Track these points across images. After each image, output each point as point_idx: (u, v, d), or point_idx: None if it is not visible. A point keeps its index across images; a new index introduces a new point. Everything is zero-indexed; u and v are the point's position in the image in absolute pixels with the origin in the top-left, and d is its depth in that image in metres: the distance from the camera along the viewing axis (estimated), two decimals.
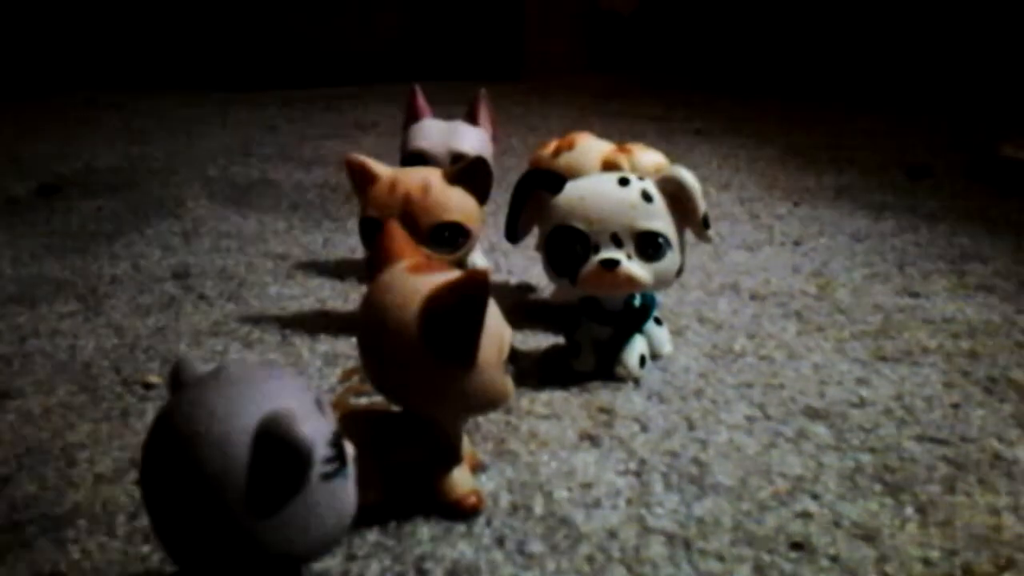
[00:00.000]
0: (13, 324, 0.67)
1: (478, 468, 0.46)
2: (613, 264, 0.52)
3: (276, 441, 0.29)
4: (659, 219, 0.53)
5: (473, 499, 0.43)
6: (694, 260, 0.79)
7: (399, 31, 1.91)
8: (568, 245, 0.53)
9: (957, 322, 0.65)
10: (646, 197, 0.53)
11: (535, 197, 0.55)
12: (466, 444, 0.46)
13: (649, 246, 0.53)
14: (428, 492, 0.43)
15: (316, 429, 0.30)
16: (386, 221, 0.44)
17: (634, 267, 0.52)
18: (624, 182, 0.54)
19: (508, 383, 0.41)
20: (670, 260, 0.53)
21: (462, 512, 0.42)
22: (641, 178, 0.54)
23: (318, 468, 0.30)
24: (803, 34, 1.88)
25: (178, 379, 0.32)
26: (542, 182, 0.55)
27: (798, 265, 0.78)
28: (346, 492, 0.32)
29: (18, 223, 0.93)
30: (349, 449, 0.33)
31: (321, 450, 0.31)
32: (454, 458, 0.43)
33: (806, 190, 1.04)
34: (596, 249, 0.53)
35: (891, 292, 0.71)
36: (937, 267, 0.77)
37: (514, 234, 0.58)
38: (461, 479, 0.43)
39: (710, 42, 2.02)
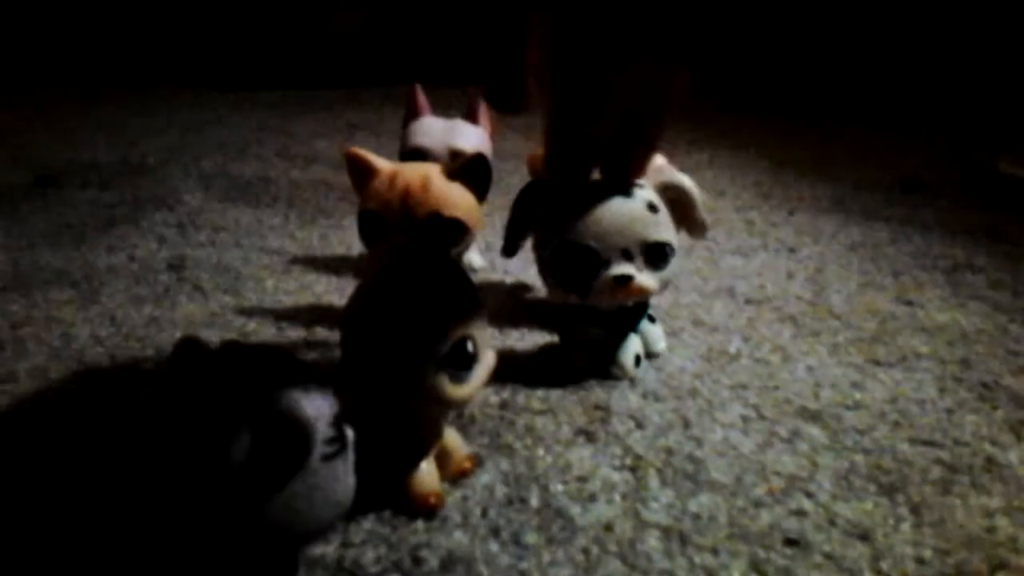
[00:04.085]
0: (7, 311, 0.66)
1: (464, 474, 0.45)
2: (627, 280, 0.52)
3: (278, 419, 0.29)
4: (665, 229, 0.53)
5: (432, 500, 0.42)
6: (689, 264, 0.79)
7: (397, 35, 1.91)
8: (577, 262, 0.52)
9: (951, 330, 0.65)
10: (652, 208, 0.53)
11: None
12: (459, 448, 0.46)
13: (658, 256, 0.52)
14: (394, 483, 0.42)
15: (318, 409, 0.30)
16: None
17: (645, 278, 0.52)
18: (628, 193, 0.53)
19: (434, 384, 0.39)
20: (674, 264, 0.53)
21: (418, 510, 0.42)
22: (641, 185, 0.54)
23: (319, 449, 0.30)
24: (800, 48, 1.89)
25: (181, 357, 0.32)
26: (543, 197, 0.54)
27: (793, 271, 0.78)
28: (345, 474, 0.32)
29: (13, 213, 0.93)
30: (349, 432, 0.33)
31: (323, 430, 0.31)
32: (421, 453, 0.43)
33: (800, 200, 1.05)
34: (607, 264, 0.52)
35: (885, 299, 0.72)
36: (931, 276, 0.77)
37: (512, 250, 0.56)
38: (426, 477, 0.43)
39: (705, 54, 2.03)
